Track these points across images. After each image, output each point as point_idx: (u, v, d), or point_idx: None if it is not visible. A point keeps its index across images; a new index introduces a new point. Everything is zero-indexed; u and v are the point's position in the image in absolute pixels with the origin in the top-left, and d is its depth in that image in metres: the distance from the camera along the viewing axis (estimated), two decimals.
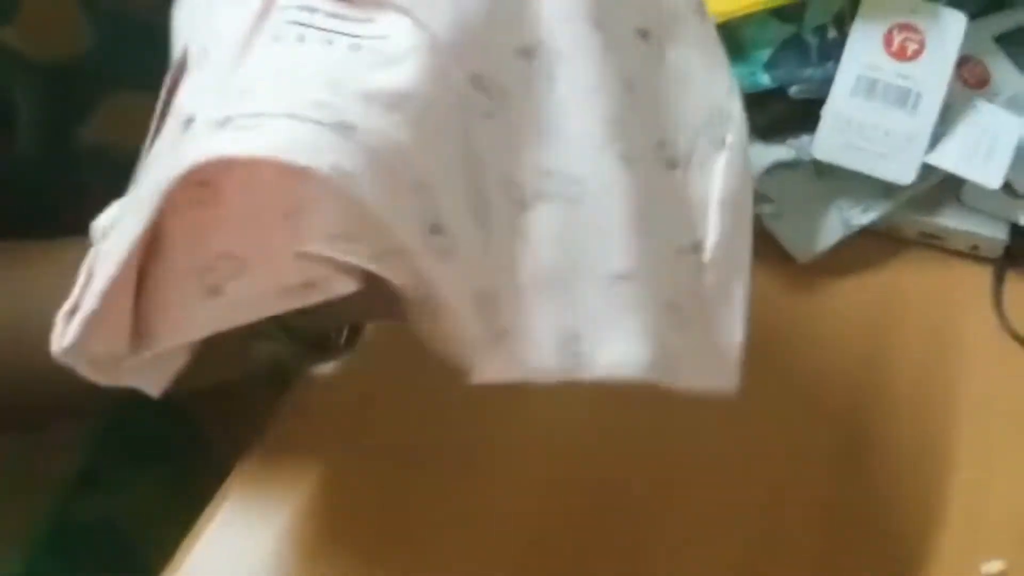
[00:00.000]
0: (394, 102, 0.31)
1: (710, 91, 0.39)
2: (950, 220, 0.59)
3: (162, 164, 0.32)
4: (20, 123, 0.51)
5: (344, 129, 0.30)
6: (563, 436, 0.51)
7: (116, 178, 0.56)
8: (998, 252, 0.59)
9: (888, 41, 0.57)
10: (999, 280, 0.59)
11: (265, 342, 0.44)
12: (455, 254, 0.32)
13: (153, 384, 0.37)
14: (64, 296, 0.35)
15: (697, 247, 0.37)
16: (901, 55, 0.57)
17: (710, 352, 0.37)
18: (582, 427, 0.51)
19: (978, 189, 0.58)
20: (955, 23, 0.57)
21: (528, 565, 0.47)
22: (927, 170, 0.58)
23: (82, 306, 0.33)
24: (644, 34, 0.38)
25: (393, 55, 0.32)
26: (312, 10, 0.32)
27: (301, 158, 0.29)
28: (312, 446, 0.51)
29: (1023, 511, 0.51)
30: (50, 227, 0.52)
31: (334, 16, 0.32)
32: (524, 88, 0.34)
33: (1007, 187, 0.59)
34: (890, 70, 0.57)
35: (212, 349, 0.39)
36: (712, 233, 0.37)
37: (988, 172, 0.57)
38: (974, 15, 0.60)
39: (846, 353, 0.56)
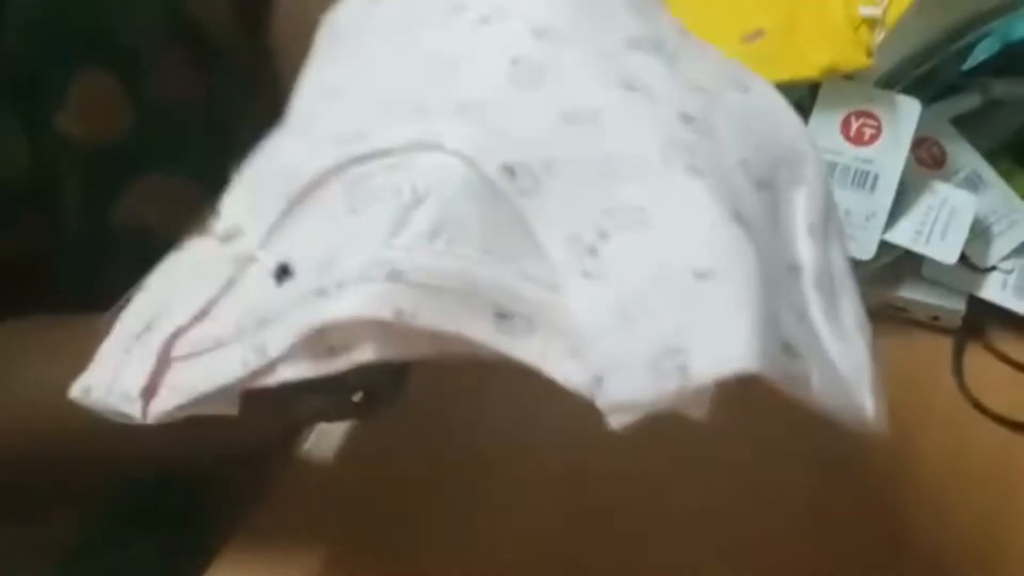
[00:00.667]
0: (432, 231, 0.35)
1: (782, 130, 0.40)
2: (911, 293, 0.62)
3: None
4: (62, 202, 0.54)
5: (396, 275, 0.34)
6: (564, 506, 0.54)
7: (143, 257, 0.59)
8: (958, 323, 0.63)
9: (846, 127, 0.60)
10: (959, 349, 0.62)
11: (308, 396, 0.45)
12: (528, 326, 0.34)
13: (226, 407, 0.40)
14: None
15: (794, 268, 0.37)
16: (859, 140, 0.60)
17: (834, 378, 0.35)
18: (582, 494, 0.54)
19: (937, 263, 0.61)
20: (910, 109, 0.60)
21: None
22: (887, 246, 0.61)
23: (160, 393, 0.39)
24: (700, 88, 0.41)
25: (423, 193, 0.35)
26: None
27: (375, 313, 0.34)
28: (307, 516, 0.53)
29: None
30: (82, 302, 0.55)
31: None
32: (573, 150, 0.36)
33: (965, 261, 0.62)
34: (849, 154, 0.60)
35: (254, 406, 0.42)
36: (806, 257, 0.38)
37: (945, 248, 0.61)
38: (932, 99, 0.64)
39: (810, 418, 0.58)
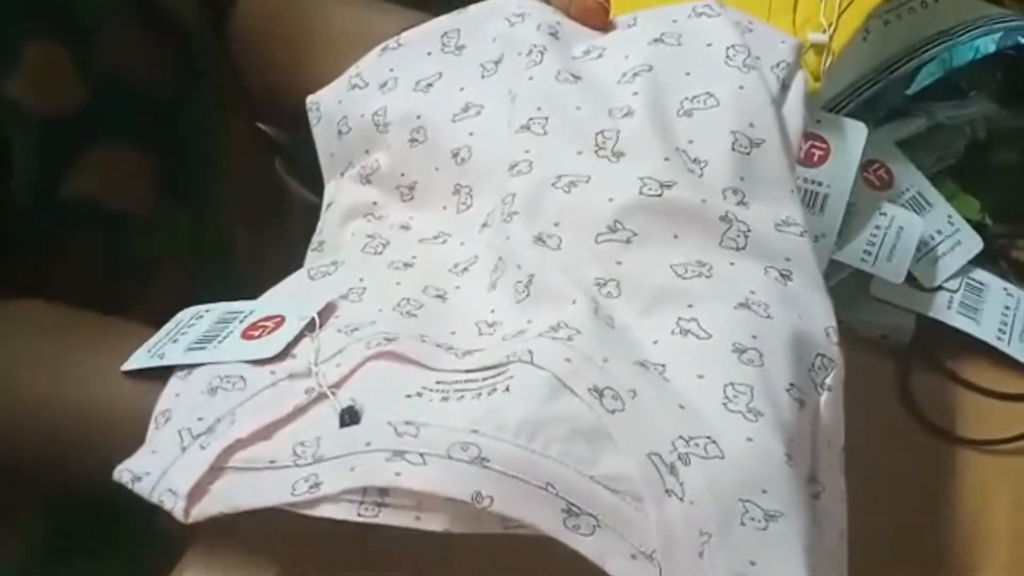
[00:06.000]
0: (519, 427, 0.38)
1: (815, 330, 0.44)
2: (860, 311, 0.64)
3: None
4: (15, 172, 0.55)
5: (481, 461, 0.37)
6: None
7: (93, 228, 0.59)
8: (906, 340, 0.64)
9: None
10: (906, 366, 0.63)
11: None
12: (593, 525, 0.37)
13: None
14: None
15: (812, 479, 0.41)
16: (808, 161, 0.62)
17: None
18: None
19: (885, 282, 0.63)
20: (857, 132, 0.62)
21: None
22: (836, 266, 0.62)
23: (205, 498, 0.41)
24: (785, 276, 0.46)
25: (514, 392, 0.39)
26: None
27: (453, 491, 0.37)
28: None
29: None
30: (35, 273, 0.55)
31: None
32: (651, 389, 0.41)
33: (912, 280, 0.64)
34: (799, 175, 0.62)
35: None
36: (822, 474, 0.42)
37: (892, 268, 0.62)
38: (879, 122, 0.66)
39: None
